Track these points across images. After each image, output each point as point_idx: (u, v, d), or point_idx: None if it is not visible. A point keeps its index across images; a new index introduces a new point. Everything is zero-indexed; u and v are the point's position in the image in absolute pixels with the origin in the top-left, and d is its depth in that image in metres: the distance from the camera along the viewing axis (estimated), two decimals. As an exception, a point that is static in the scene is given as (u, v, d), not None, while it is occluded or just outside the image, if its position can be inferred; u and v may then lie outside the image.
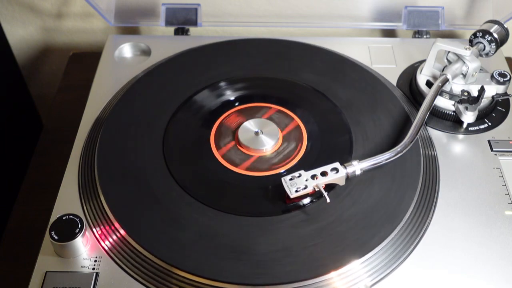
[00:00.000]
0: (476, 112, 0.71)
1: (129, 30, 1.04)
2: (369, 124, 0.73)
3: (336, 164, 0.64)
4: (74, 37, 1.07)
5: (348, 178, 0.64)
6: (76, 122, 0.76)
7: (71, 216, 0.60)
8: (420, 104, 0.71)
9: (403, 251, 0.61)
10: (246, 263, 0.59)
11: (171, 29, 0.92)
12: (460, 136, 0.73)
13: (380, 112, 0.74)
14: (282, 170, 0.68)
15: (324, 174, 0.63)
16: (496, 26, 0.74)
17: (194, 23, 0.91)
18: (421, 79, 0.77)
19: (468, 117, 0.71)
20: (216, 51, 0.84)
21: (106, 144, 0.70)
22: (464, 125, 0.73)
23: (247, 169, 0.68)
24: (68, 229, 0.59)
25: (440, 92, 0.73)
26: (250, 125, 0.72)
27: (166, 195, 0.65)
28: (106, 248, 0.61)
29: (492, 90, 0.73)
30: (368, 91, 0.77)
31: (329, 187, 0.64)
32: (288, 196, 0.63)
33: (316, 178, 0.63)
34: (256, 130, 0.72)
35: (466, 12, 0.91)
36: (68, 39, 1.08)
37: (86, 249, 0.61)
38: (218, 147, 0.71)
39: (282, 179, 0.63)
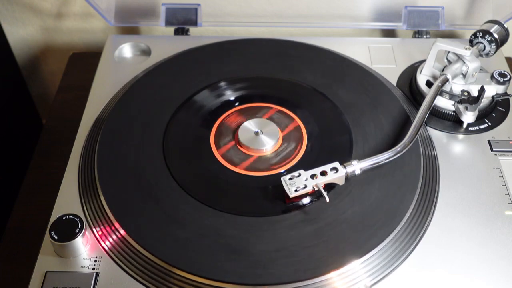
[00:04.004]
0: (476, 112, 0.71)
1: (129, 30, 1.04)
2: (369, 124, 0.73)
3: (336, 164, 0.64)
4: (74, 37, 1.07)
5: (347, 178, 0.64)
6: (76, 122, 0.76)
7: (71, 216, 0.60)
8: (420, 104, 0.71)
9: (403, 251, 0.61)
10: (246, 263, 0.59)
11: (171, 29, 0.92)
12: (460, 136, 0.73)
13: (380, 112, 0.74)
14: (282, 170, 0.68)
15: (323, 173, 0.63)
16: (496, 26, 0.74)
17: (194, 23, 0.91)
18: (421, 79, 0.77)
19: (468, 117, 0.71)
20: (216, 51, 0.84)
21: (106, 144, 0.70)
22: (464, 125, 0.73)
23: (247, 169, 0.68)
24: (68, 229, 0.59)
25: (440, 92, 0.73)
26: (250, 125, 0.72)
27: (166, 195, 0.65)
28: (106, 248, 0.61)
29: (492, 90, 0.73)
30: (368, 91, 0.77)
31: (329, 186, 0.64)
32: (288, 196, 0.63)
33: (316, 178, 0.63)
34: (256, 130, 0.72)
35: (466, 12, 0.91)
36: (68, 39, 1.08)
37: (86, 249, 0.61)
38: (218, 147, 0.71)
39: (282, 178, 0.63)
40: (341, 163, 0.64)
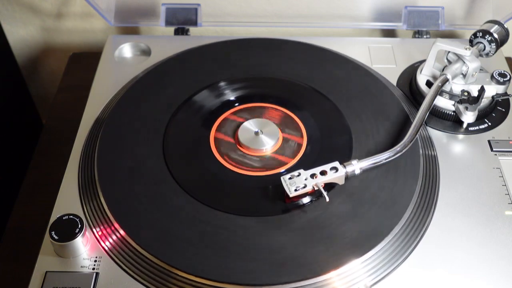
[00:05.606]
0: (476, 112, 0.71)
1: (129, 30, 1.04)
2: (369, 124, 0.73)
3: (336, 163, 0.64)
4: (74, 37, 1.07)
5: (347, 178, 0.64)
6: (76, 122, 0.76)
7: (71, 216, 0.61)
8: (420, 104, 0.71)
9: (403, 251, 0.61)
10: (245, 263, 0.59)
11: (171, 29, 0.92)
12: (460, 136, 0.73)
13: (380, 112, 0.74)
14: (282, 169, 0.68)
15: (323, 173, 0.63)
16: (496, 26, 0.74)
17: (194, 23, 0.91)
18: (421, 79, 0.77)
19: (468, 117, 0.71)
20: (216, 51, 0.84)
21: (106, 144, 0.70)
22: (464, 125, 0.73)
23: (247, 169, 0.68)
24: (68, 229, 0.59)
25: (440, 92, 0.73)
26: (250, 125, 0.72)
27: (166, 195, 0.65)
28: (106, 248, 0.61)
29: (492, 90, 0.73)
30: (368, 91, 0.77)
31: (329, 186, 0.64)
32: (288, 195, 0.63)
33: (316, 177, 0.63)
34: (256, 130, 0.72)
35: (466, 12, 0.91)
36: (68, 39, 1.08)
37: (86, 249, 0.61)
38: (218, 147, 0.71)
39: (282, 178, 0.63)
40: (341, 163, 0.64)
